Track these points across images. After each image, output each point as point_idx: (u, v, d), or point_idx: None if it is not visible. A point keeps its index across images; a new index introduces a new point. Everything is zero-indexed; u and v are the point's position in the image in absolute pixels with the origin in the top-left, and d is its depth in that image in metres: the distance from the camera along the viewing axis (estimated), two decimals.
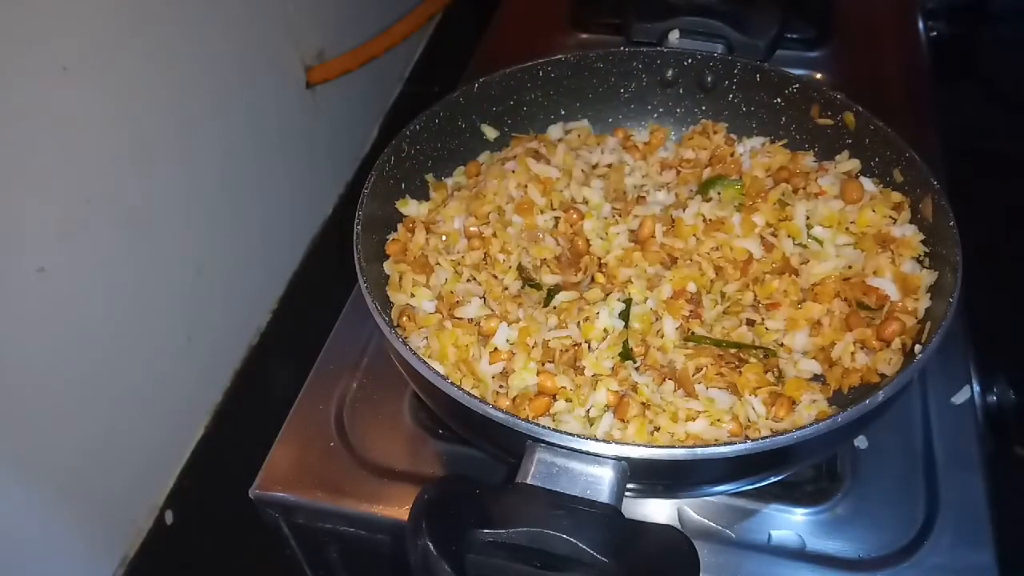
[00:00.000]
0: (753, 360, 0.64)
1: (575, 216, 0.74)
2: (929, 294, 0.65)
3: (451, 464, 0.70)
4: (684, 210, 0.72)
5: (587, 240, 0.72)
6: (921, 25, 1.14)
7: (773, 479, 0.64)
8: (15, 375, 0.65)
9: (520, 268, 0.71)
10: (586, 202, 0.76)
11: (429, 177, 0.79)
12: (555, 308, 0.68)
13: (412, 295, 0.70)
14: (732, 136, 0.82)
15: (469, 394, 0.53)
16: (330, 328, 0.82)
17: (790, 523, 0.64)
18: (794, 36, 1.06)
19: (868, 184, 0.72)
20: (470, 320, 0.67)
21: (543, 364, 0.64)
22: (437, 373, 0.55)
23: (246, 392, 0.93)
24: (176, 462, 0.85)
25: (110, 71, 0.69)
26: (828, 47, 1.10)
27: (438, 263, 0.71)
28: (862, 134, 0.74)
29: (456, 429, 0.63)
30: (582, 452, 0.49)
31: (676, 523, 0.65)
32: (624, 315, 0.66)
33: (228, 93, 0.86)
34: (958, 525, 0.63)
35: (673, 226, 0.72)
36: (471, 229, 0.73)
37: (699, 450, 0.50)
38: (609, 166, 0.81)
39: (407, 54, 1.32)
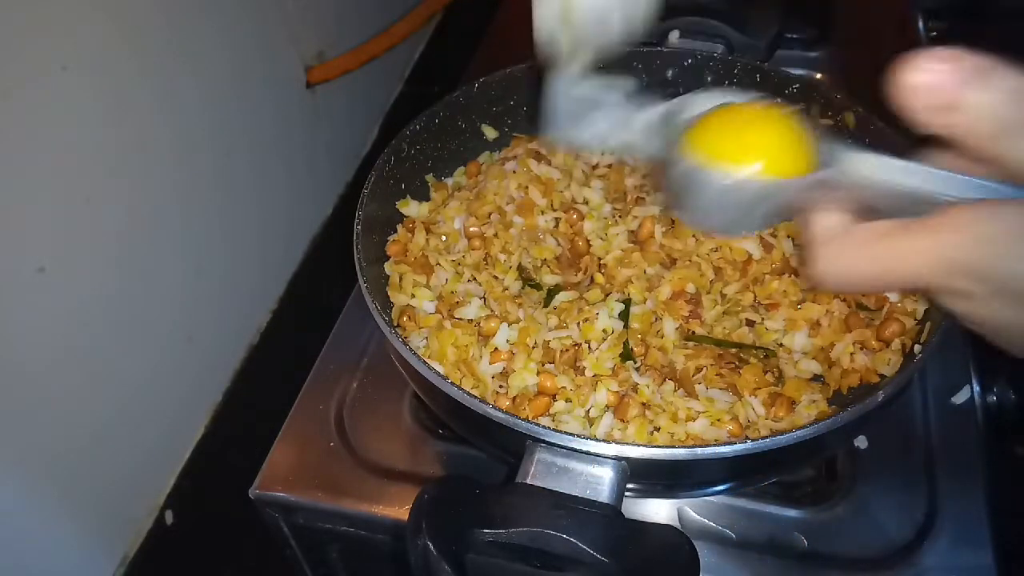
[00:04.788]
0: (753, 360, 0.64)
1: (575, 217, 0.74)
2: None
3: (451, 464, 0.70)
4: None
5: (587, 240, 0.72)
6: (921, 25, 1.14)
7: (773, 479, 0.64)
8: (14, 375, 0.65)
9: (520, 268, 0.71)
10: (586, 202, 0.76)
11: (429, 177, 0.79)
12: (555, 308, 0.68)
13: (412, 295, 0.70)
14: None
15: (469, 394, 0.53)
16: (330, 328, 0.82)
17: (790, 523, 0.64)
18: (794, 36, 1.05)
19: None
20: (470, 320, 0.67)
21: (543, 364, 0.64)
22: (437, 373, 0.55)
23: (246, 392, 0.93)
24: (176, 462, 0.85)
25: (110, 70, 0.70)
26: (828, 47, 1.09)
27: (438, 263, 0.71)
28: (862, 134, 0.74)
29: (456, 429, 0.63)
30: (582, 452, 0.49)
31: (676, 523, 0.65)
32: (624, 315, 0.66)
33: (228, 93, 0.86)
34: (958, 525, 0.63)
35: (673, 227, 0.72)
36: (471, 229, 0.73)
37: (699, 450, 0.50)
38: (609, 166, 0.81)
39: (407, 54, 1.32)
